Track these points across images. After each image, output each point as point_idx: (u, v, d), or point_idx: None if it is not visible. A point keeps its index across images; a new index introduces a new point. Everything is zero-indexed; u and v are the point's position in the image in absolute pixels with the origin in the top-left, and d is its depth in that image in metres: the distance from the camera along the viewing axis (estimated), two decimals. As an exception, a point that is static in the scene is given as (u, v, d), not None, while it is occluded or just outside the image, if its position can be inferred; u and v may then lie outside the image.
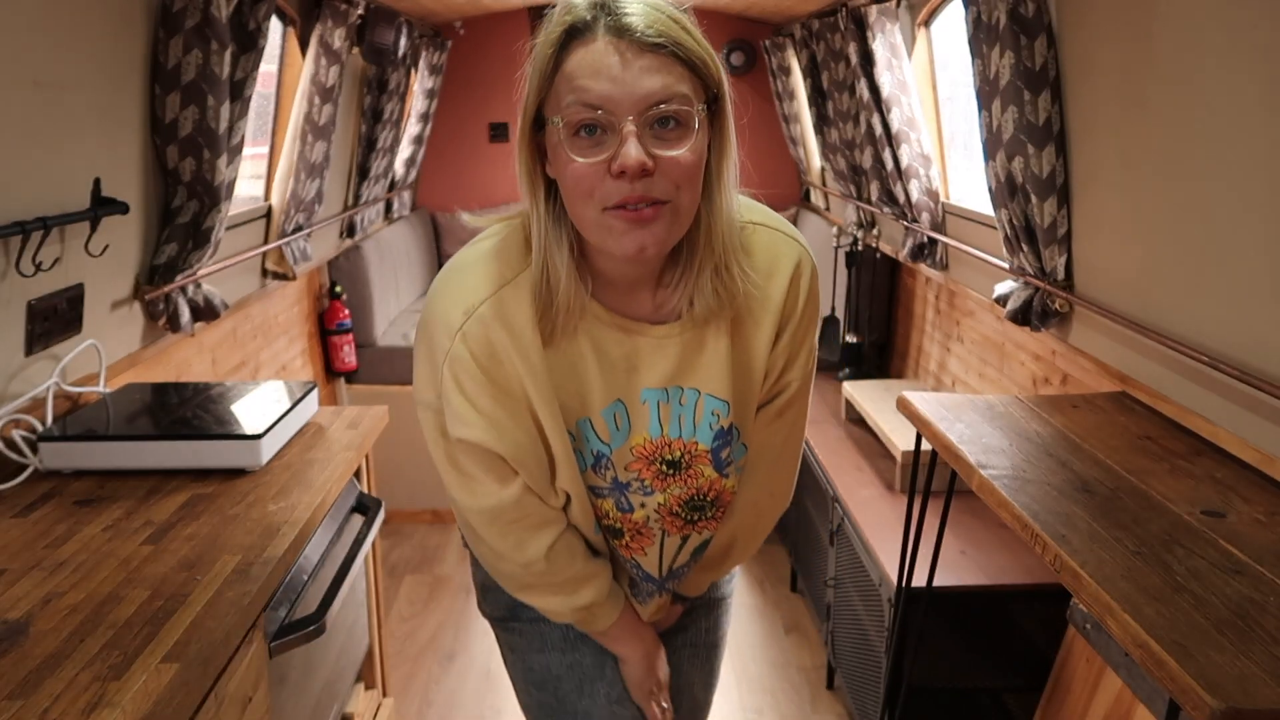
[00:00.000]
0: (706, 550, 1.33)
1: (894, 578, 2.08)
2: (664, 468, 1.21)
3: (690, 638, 1.48)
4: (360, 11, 3.18)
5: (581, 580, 1.24)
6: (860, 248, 3.58)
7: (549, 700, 1.39)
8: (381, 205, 4.25)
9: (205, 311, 2.37)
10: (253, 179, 3.09)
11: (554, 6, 1.04)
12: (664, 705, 1.37)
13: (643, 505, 1.23)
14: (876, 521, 2.41)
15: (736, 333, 1.17)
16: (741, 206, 1.17)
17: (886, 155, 3.20)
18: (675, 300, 1.14)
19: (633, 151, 0.99)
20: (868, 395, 3.09)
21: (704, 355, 1.16)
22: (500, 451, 1.13)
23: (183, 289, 2.28)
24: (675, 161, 1.02)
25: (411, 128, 4.48)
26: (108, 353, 2.01)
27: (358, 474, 2.08)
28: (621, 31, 1.00)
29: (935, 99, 3.25)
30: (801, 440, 1.33)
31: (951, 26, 3.09)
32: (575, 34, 1.01)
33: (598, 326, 1.13)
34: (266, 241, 2.98)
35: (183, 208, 2.22)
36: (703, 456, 1.21)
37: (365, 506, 1.97)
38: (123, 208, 1.94)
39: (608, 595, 1.27)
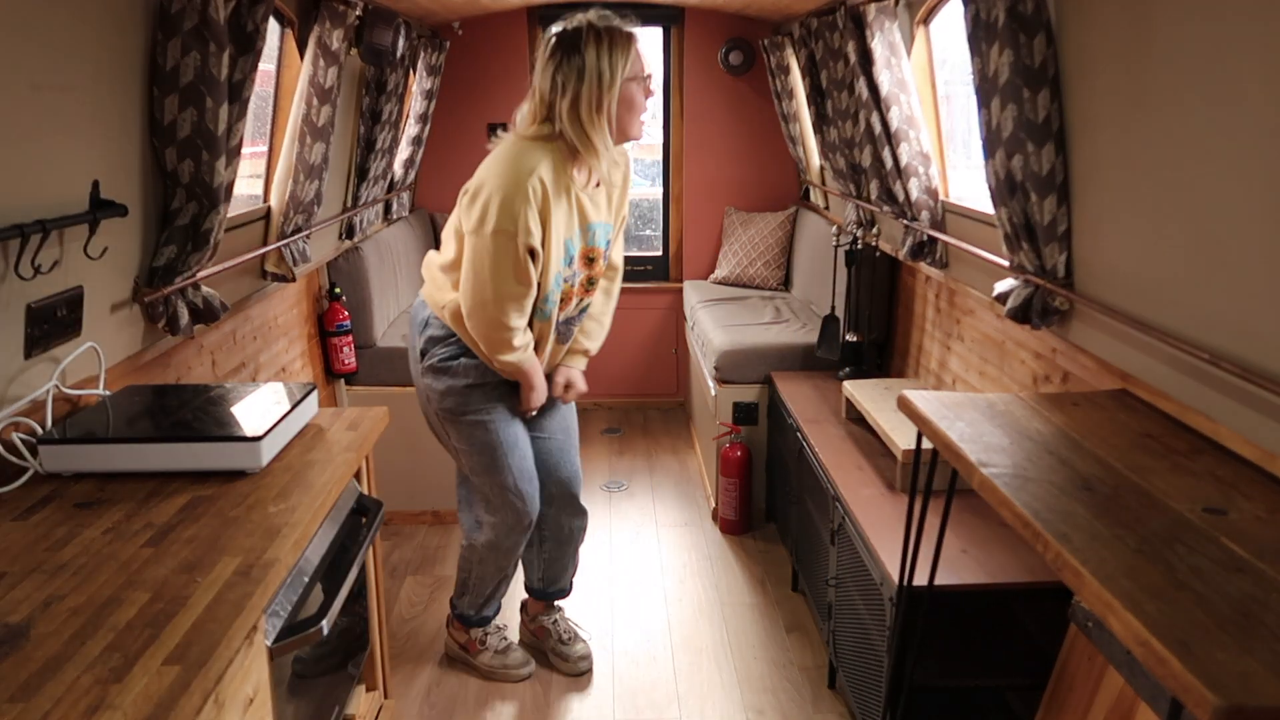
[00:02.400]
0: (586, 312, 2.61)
1: (895, 577, 2.08)
2: (587, 261, 2.46)
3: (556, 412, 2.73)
4: (358, 12, 3.17)
5: (526, 344, 2.39)
6: (860, 246, 3.57)
7: (487, 456, 2.52)
8: (380, 206, 4.25)
9: (205, 313, 2.37)
10: (252, 178, 3.09)
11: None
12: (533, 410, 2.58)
13: (576, 281, 2.46)
14: (877, 521, 2.41)
15: (607, 190, 2.48)
16: None
17: (886, 154, 3.20)
18: (597, 177, 2.41)
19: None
20: (868, 394, 3.09)
21: (605, 200, 2.46)
22: (540, 250, 2.29)
23: (182, 291, 2.28)
24: None
25: (410, 128, 4.48)
26: (107, 355, 2.01)
27: (358, 475, 2.08)
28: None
29: (934, 97, 3.25)
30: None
31: (950, 25, 3.09)
32: (632, 39, 2.32)
33: (574, 189, 2.36)
34: (266, 243, 2.98)
35: (182, 209, 2.22)
36: (600, 254, 2.48)
37: (365, 508, 1.97)
38: (121, 210, 1.94)
39: (530, 349, 2.42)
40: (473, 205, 2.28)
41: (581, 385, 2.67)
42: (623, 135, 2.35)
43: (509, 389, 2.53)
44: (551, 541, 2.80)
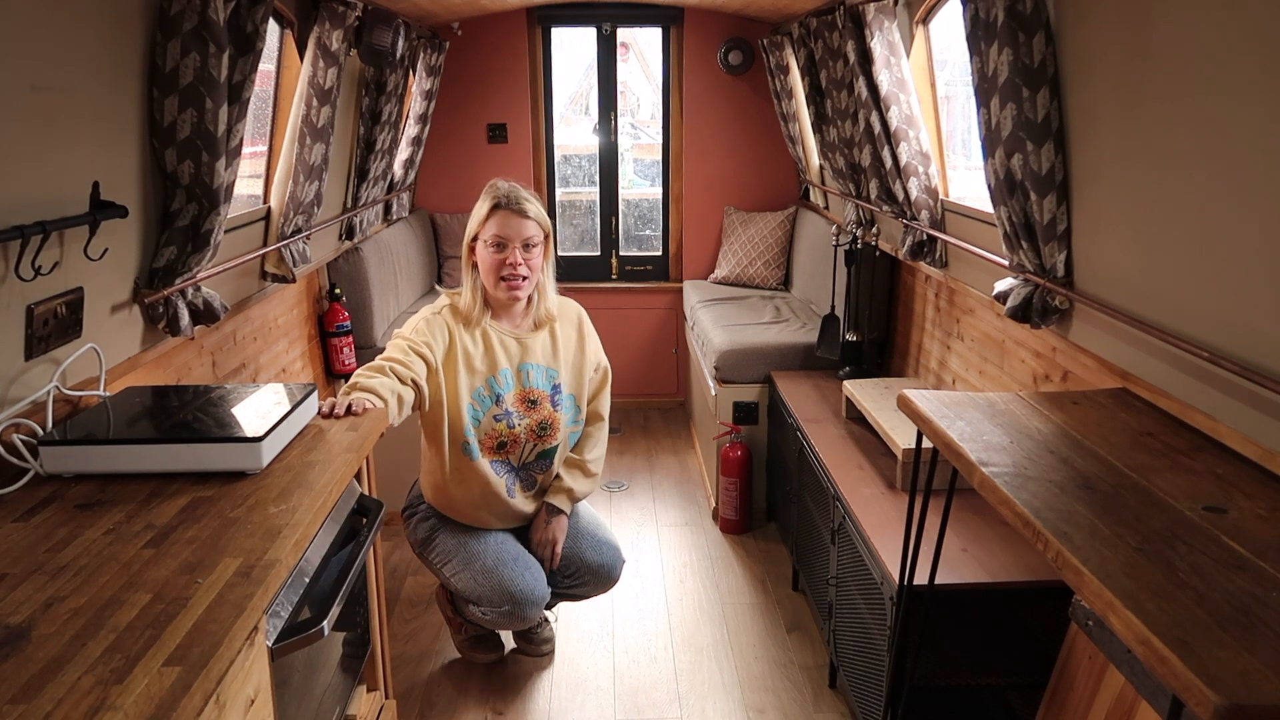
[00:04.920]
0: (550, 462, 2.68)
1: (896, 576, 2.08)
2: (529, 404, 2.58)
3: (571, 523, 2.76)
4: (357, 13, 3.17)
5: (362, 382, 2.27)
6: (860, 246, 3.57)
7: (477, 572, 2.56)
8: (380, 207, 4.25)
9: (205, 314, 2.37)
10: (251, 179, 3.09)
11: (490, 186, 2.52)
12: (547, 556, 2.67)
13: (518, 424, 2.57)
14: (878, 520, 2.41)
15: (554, 340, 2.64)
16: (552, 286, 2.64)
17: (885, 153, 3.20)
18: (529, 321, 2.61)
19: (517, 257, 2.47)
20: (868, 393, 3.09)
21: (543, 348, 2.61)
22: (416, 348, 2.42)
23: (182, 292, 2.28)
24: (530, 259, 2.50)
25: (410, 129, 4.48)
26: (107, 356, 2.01)
27: (358, 476, 2.08)
28: (514, 209, 2.47)
29: (934, 97, 3.25)
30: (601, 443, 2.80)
31: (950, 24, 3.09)
32: (497, 207, 2.47)
33: (493, 331, 2.56)
34: (266, 244, 2.98)
35: (181, 211, 2.22)
36: (545, 397, 2.59)
37: (366, 508, 1.97)
38: (121, 211, 1.94)
39: (356, 390, 2.27)
40: None
41: (560, 537, 2.66)
42: (489, 290, 2.52)
43: (470, 528, 2.66)
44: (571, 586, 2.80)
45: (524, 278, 2.48)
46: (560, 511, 2.68)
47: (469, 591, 2.58)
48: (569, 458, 2.73)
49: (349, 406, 2.05)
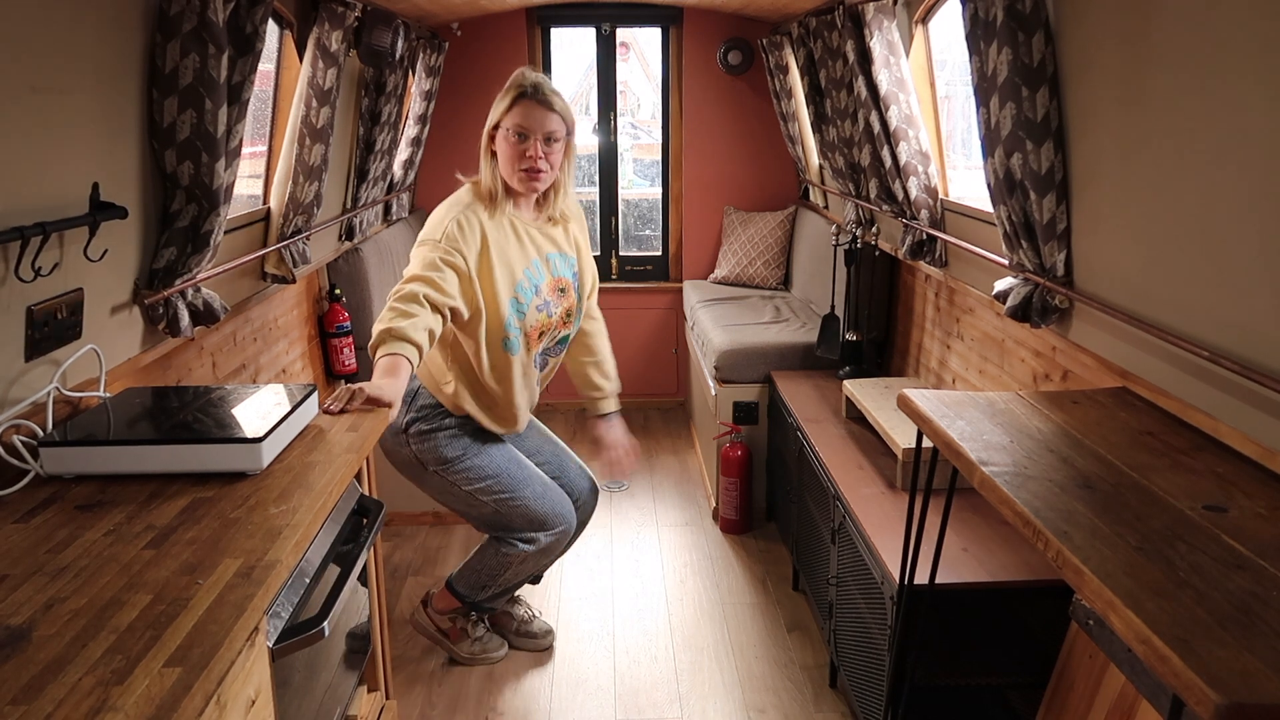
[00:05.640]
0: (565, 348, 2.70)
1: (896, 575, 2.08)
2: (559, 291, 2.56)
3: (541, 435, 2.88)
4: (357, 14, 3.17)
5: (400, 329, 2.11)
6: (859, 245, 3.57)
7: (496, 485, 2.58)
8: (380, 207, 4.25)
9: (205, 315, 2.37)
10: (251, 179, 3.09)
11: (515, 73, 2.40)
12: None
13: (555, 312, 2.55)
14: (878, 519, 2.41)
15: (567, 233, 2.61)
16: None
17: (885, 153, 3.20)
18: (545, 215, 2.54)
19: (538, 150, 2.37)
20: (868, 393, 3.09)
21: (562, 238, 2.58)
22: (449, 259, 2.30)
23: (182, 293, 2.28)
24: (551, 154, 2.40)
25: (409, 129, 4.48)
26: (107, 357, 2.01)
27: (359, 476, 2.08)
28: (540, 100, 2.36)
29: (934, 96, 3.25)
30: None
31: (949, 24, 3.09)
32: (522, 95, 2.36)
33: (518, 221, 2.48)
34: (266, 244, 2.98)
35: (181, 211, 2.22)
36: (570, 285, 2.59)
37: (366, 509, 1.97)
38: (121, 212, 1.94)
39: (403, 343, 2.12)
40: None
41: (626, 440, 2.75)
42: (506, 179, 2.41)
43: (491, 435, 2.63)
44: None
45: (542, 171, 2.38)
46: (616, 413, 2.76)
47: (529, 512, 2.59)
48: (593, 361, 2.76)
49: (352, 396, 1.99)
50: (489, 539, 2.73)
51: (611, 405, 2.76)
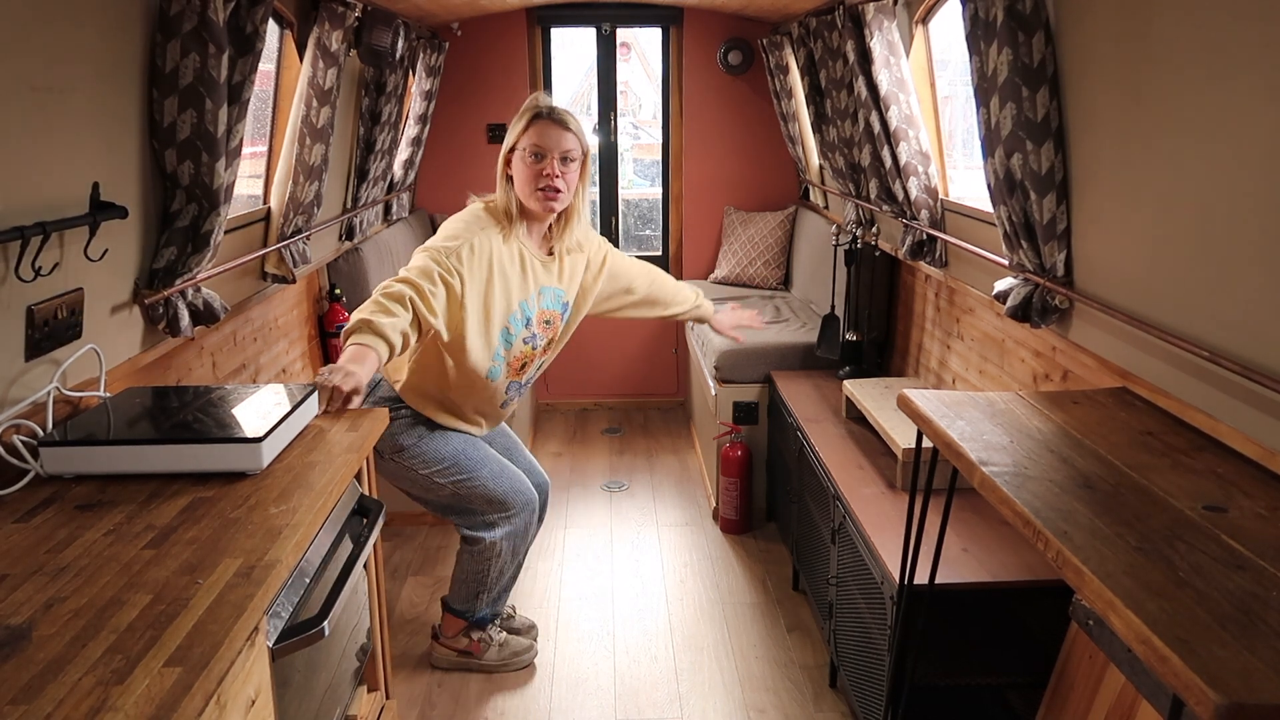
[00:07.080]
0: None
1: (896, 576, 2.08)
2: (545, 324, 2.58)
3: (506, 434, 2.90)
4: (357, 14, 3.17)
5: (379, 324, 2.12)
6: (859, 246, 3.57)
7: (453, 467, 2.57)
8: (380, 207, 4.25)
9: (205, 315, 2.37)
10: (251, 179, 3.09)
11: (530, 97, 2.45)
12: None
13: (539, 344, 2.59)
14: (878, 519, 2.41)
15: (572, 266, 2.62)
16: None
17: (885, 153, 3.20)
18: (549, 247, 2.57)
19: (554, 169, 2.40)
20: (868, 393, 3.09)
21: (559, 271, 2.58)
22: (445, 276, 2.30)
23: (182, 293, 2.28)
24: (567, 173, 2.43)
25: (409, 129, 4.48)
26: (108, 357, 2.01)
27: (359, 476, 2.08)
28: (555, 120, 2.40)
29: (934, 96, 3.25)
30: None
31: (949, 24, 3.09)
32: (537, 116, 2.40)
33: (526, 251, 2.48)
34: (266, 244, 2.98)
35: (181, 211, 2.22)
36: (557, 317, 2.61)
37: (367, 509, 1.97)
38: (121, 212, 1.94)
39: (375, 338, 2.14)
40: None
41: (735, 314, 3.04)
42: (522, 202, 2.44)
43: (447, 429, 2.63)
44: None
45: (560, 190, 2.40)
46: (713, 309, 3.01)
47: (486, 492, 2.59)
48: (670, 296, 2.91)
49: (331, 393, 1.99)
50: (460, 546, 2.72)
51: (708, 306, 2.97)
